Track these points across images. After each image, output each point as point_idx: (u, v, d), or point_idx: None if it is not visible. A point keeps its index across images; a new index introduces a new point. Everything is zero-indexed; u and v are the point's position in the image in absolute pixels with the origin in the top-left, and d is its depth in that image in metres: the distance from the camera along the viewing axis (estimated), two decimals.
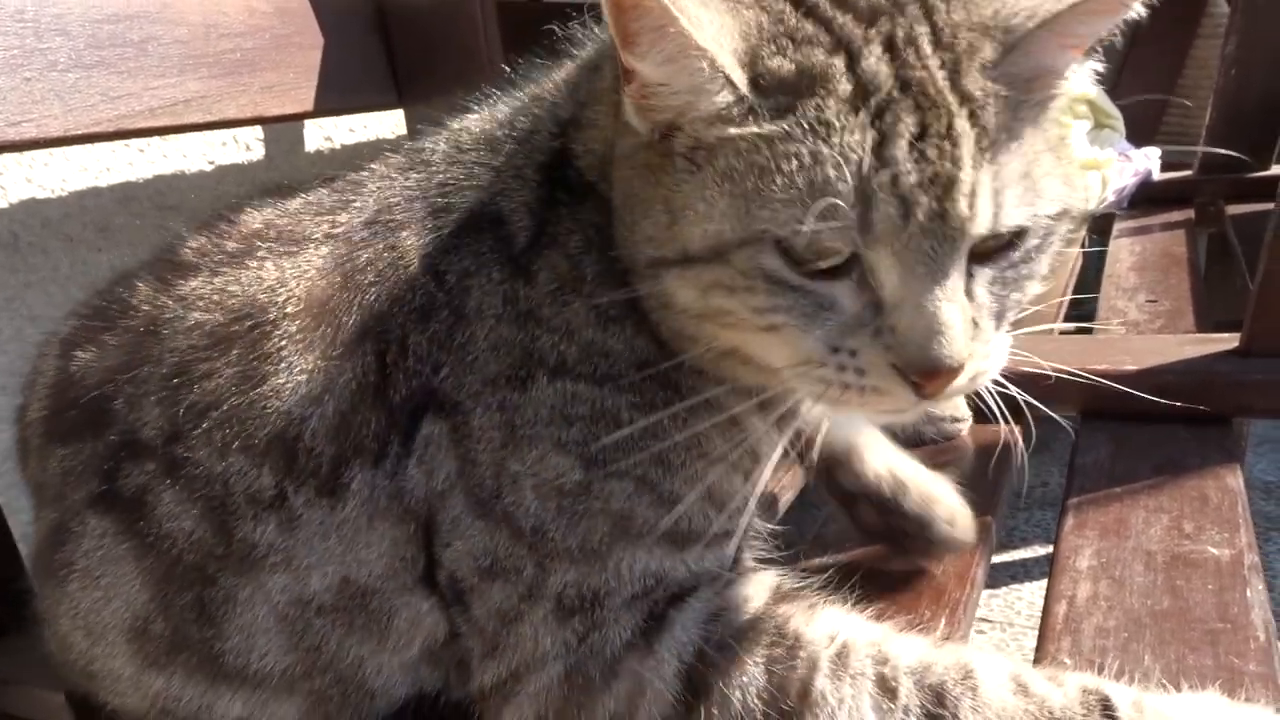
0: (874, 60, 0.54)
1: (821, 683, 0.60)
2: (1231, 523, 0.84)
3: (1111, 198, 2.12)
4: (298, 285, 0.66)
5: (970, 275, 0.56)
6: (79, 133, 0.95)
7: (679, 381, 0.65)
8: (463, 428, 0.63)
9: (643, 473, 0.63)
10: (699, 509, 0.65)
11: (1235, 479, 0.92)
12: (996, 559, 1.78)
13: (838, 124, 0.53)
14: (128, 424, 0.67)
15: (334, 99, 1.22)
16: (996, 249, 0.57)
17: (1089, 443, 1.03)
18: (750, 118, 0.54)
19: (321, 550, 0.65)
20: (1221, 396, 1.01)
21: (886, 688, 0.59)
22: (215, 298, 0.67)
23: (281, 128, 1.62)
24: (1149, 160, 2.21)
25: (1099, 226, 2.03)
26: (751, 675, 0.60)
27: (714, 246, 0.56)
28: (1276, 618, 1.59)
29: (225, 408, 0.64)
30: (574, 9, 0.76)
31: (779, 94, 0.54)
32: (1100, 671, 0.66)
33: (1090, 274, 1.77)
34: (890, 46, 0.55)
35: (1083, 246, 1.90)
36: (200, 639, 0.67)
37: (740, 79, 0.54)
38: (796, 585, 0.67)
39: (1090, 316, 1.49)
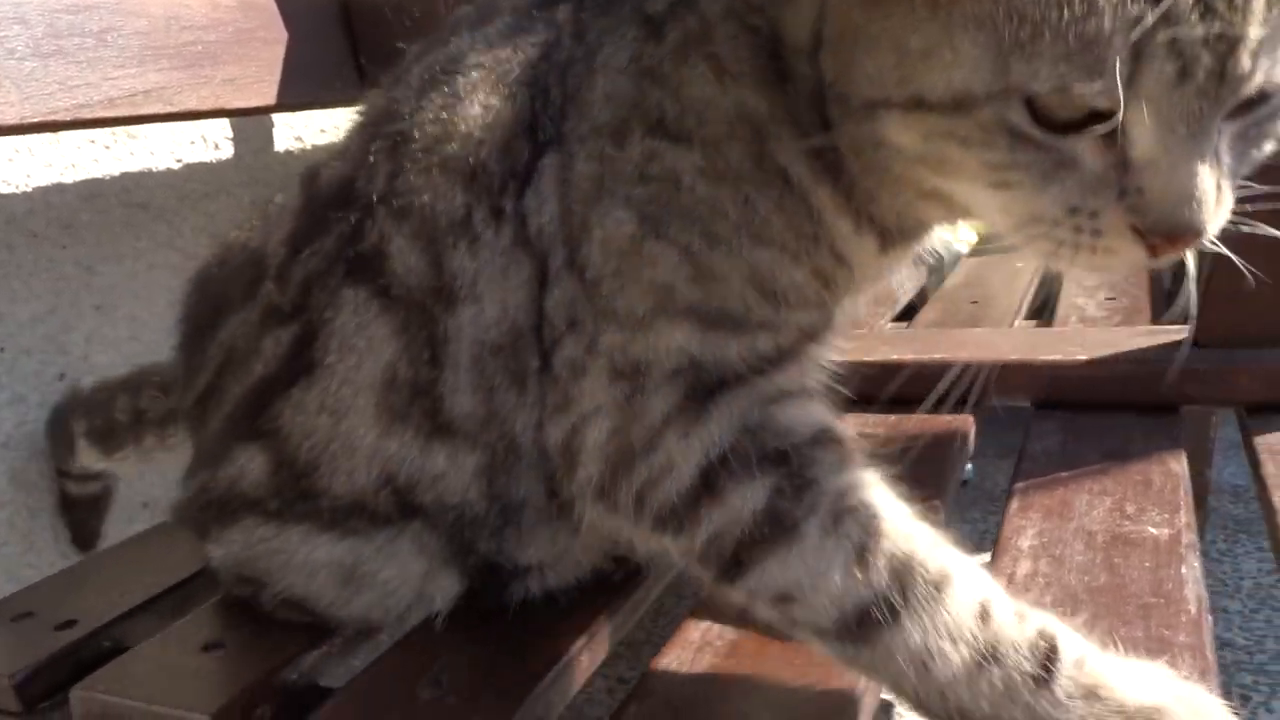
0: None
1: (809, 527, 0.61)
2: (1172, 504, 0.85)
3: None
4: (485, 49, 0.72)
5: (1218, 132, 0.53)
6: (35, 120, 0.95)
7: (770, 156, 0.64)
8: (567, 172, 0.67)
9: (687, 241, 0.64)
10: (737, 291, 0.65)
11: (1179, 464, 0.93)
12: None
13: None
14: (365, 193, 0.72)
15: (297, 93, 1.23)
16: (1247, 103, 0.53)
17: (1040, 430, 1.04)
18: None
19: (488, 276, 0.69)
20: (1166, 385, 1.02)
21: (862, 560, 0.60)
22: (425, 66, 0.75)
23: (250, 127, 1.63)
24: None
25: None
26: (757, 495, 0.63)
27: (956, 98, 0.53)
28: (1244, 619, 1.59)
29: (426, 129, 0.70)
30: None
31: None
32: None
33: (1055, 275, 1.78)
34: None
35: None
36: (429, 380, 0.71)
37: None
38: (841, 436, 0.67)
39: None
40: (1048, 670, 0.57)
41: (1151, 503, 0.86)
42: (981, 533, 2.01)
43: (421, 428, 0.72)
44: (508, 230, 0.68)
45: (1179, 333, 1.10)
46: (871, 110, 0.58)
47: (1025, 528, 0.84)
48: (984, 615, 0.59)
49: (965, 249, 1.99)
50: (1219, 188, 0.53)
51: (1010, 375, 1.12)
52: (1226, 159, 0.54)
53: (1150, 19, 0.48)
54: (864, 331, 1.35)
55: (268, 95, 1.18)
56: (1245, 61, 0.50)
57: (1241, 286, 1.02)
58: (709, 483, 0.64)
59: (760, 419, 0.65)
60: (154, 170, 1.48)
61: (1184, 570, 0.74)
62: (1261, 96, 0.53)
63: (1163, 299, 1.52)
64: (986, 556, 0.83)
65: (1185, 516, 0.83)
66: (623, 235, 0.65)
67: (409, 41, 1.28)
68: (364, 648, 0.80)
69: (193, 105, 1.10)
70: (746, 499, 0.63)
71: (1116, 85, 0.49)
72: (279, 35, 1.20)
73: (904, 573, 0.60)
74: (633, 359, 0.66)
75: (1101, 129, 0.51)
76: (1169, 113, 0.50)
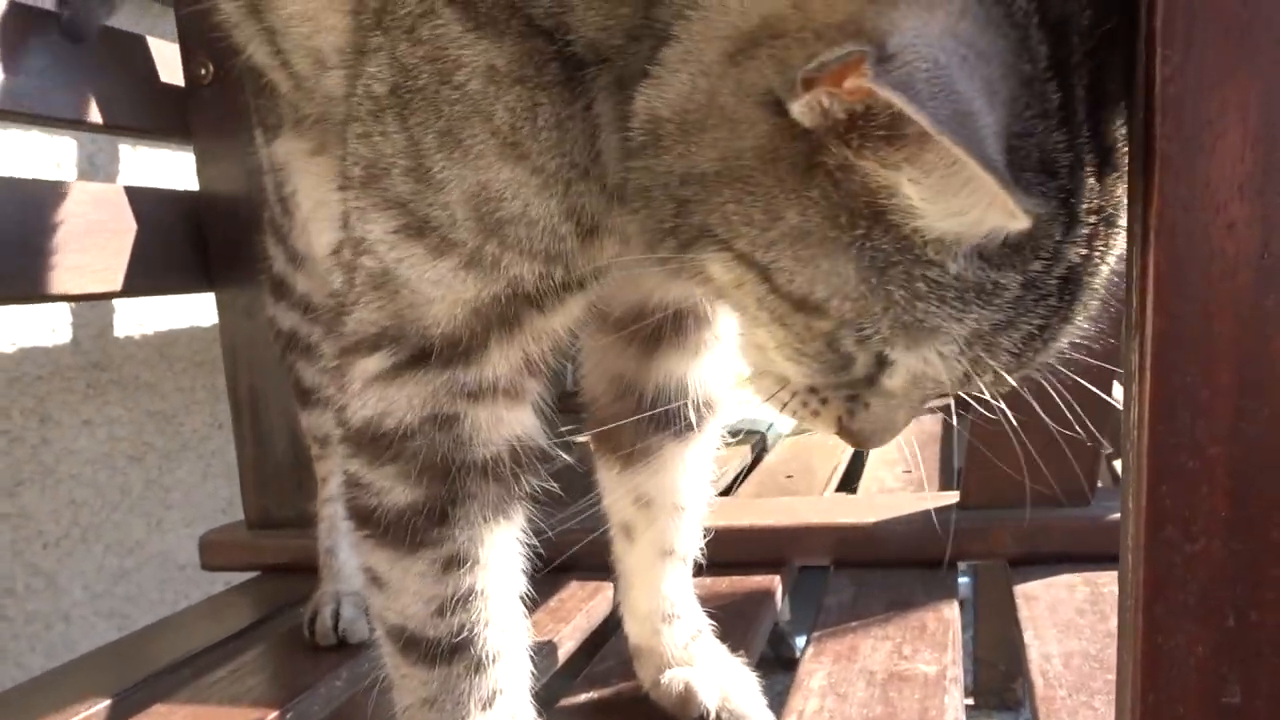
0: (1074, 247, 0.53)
1: (422, 555, 0.66)
2: (942, 645, 0.96)
3: None
4: None
5: None
6: None
7: (585, 82, 0.59)
8: None
9: (420, 135, 0.61)
10: (448, 203, 0.61)
11: (951, 610, 1.05)
12: None
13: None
14: None
15: (143, 282, 1.28)
16: None
17: (836, 586, 1.15)
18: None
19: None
20: (943, 543, 1.16)
21: (440, 610, 0.66)
22: None
23: (90, 312, 1.65)
24: None
25: None
26: (406, 496, 0.66)
27: (807, 302, 0.54)
28: None
29: None
30: None
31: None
32: None
33: (865, 451, 1.95)
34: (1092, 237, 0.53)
35: None
36: None
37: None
38: (515, 467, 0.67)
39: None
40: None
41: (925, 644, 0.96)
42: None
43: None
44: None
45: (951, 498, 1.24)
46: (704, 233, 0.56)
47: (816, 670, 0.92)
48: (489, 702, 0.66)
49: (787, 429, 2.16)
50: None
51: (812, 539, 1.23)
52: None
53: (966, 354, 0.54)
54: None
55: (113, 282, 1.23)
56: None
57: (998, 455, 1.18)
58: (375, 439, 0.65)
59: (450, 412, 0.65)
60: None
61: (946, 700, 0.84)
62: None
63: (952, 473, 1.70)
64: None
65: (952, 654, 0.93)
66: (374, 92, 0.64)
67: (254, 235, 1.37)
68: None
69: (33, 291, 1.14)
70: (398, 493, 0.65)
71: (932, 367, 0.55)
72: (128, 226, 1.26)
73: (463, 646, 0.66)
74: (350, 215, 0.66)
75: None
76: (922, 386, 0.59)
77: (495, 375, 0.65)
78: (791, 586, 1.25)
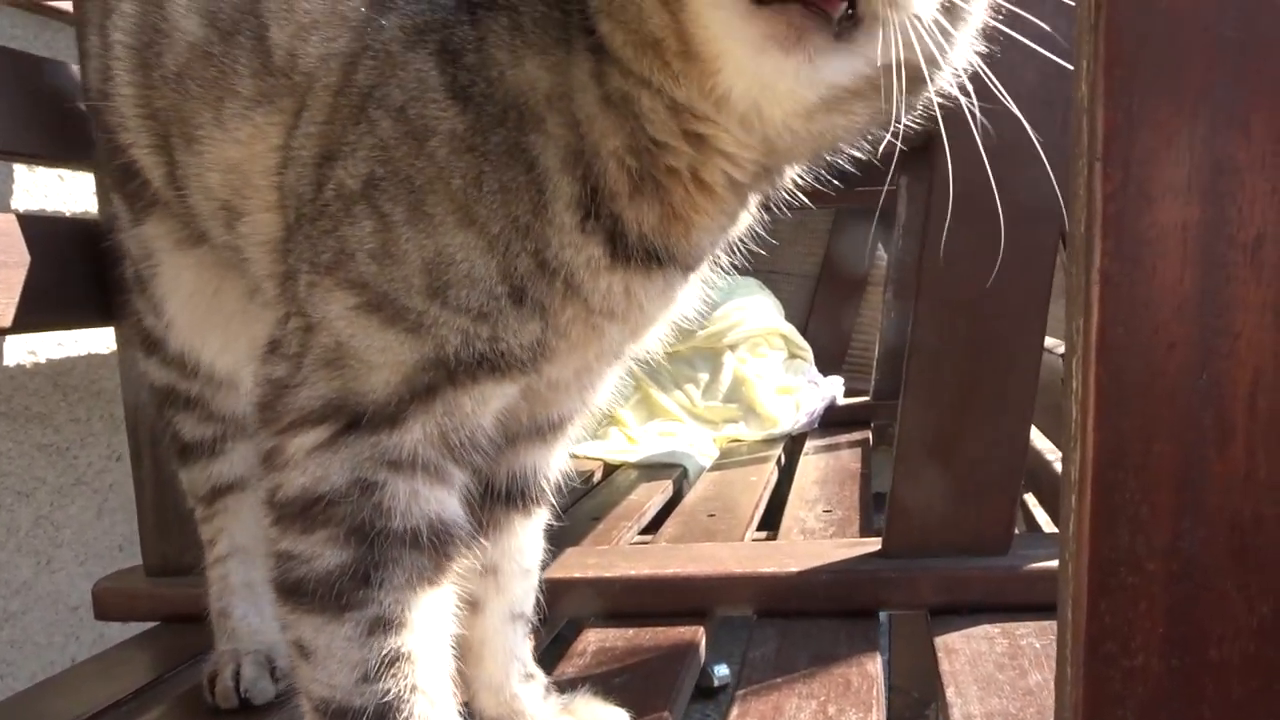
0: None
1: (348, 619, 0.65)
2: (866, 703, 0.95)
3: (804, 419, 2.39)
4: None
5: None
6: None
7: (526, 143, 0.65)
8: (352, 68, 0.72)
9: (390, 211, 0.66)
10: (407, 274, 0.66)
11: (874, 665, 1.04)
12: None
13: None
14: None
15: (36, 316, 1.20)
16: None
17: (760, 638, 1.14)
18: None
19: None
20: (865, 593, 1.16)
21: (366, 677, 0.65)
22: None
23: None
24: (834, 387, 2.53)
25: (794, 446, 2.28)
26: (334, 558, 0.66)
27: None
28: None
29: None
30: None
31: None
32: None
33: (785, 487, 1.96)
34: None
35: (778, 463, 2.12)
36: None
37: None
38: (438, 542, 0.68)
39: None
40: None
41: (850, 703, 0.96)
42: None
43: None
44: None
45: (874, 544, 1.25)
46: None
47: None
48: None
49: (708, 463, 2.16)
50: None
51: (736, 588, 1.22)
52: None
53: None
54: (606, 548, 1.43)
55: (3, 318, 1.16)
56: None
57: (918, 502, 1.19)
58: (308, 506, 0.66)
59: (372, 478, 0.66)
60: None
61: None
62: None
63: (871, 510, 1.72)
64: None
65: (876, 714, 0.93)
66: (348, 186, 0.67)
67: None
68: None
69: None
70: (327, 556, 0.65)
71: None
72: (20, 259, 1.19)
73: (389, 714, 0.64)
74: (305, 302, 0.68)
75: None
76: None
77: (414, 443, 0.67)
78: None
